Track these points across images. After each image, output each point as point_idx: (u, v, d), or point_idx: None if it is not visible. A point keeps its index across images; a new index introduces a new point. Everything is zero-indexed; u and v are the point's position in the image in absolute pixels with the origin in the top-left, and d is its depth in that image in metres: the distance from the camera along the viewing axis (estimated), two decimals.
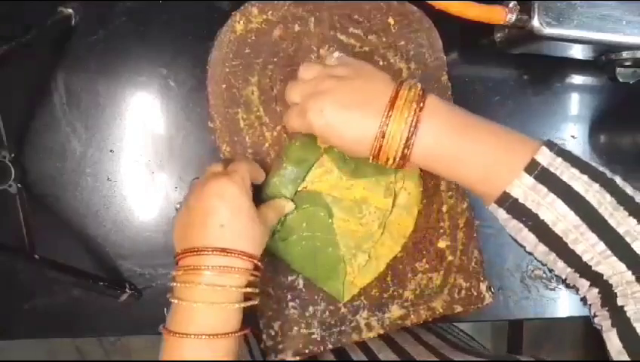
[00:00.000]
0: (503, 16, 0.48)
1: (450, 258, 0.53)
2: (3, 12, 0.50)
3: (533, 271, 0.59)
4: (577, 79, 0.61)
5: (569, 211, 0.33)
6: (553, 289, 0.60)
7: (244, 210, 0.39)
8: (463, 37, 0.57)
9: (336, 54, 0.41)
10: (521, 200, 0.34)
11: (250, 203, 0.40)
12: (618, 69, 0.53)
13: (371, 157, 0.38)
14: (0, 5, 0.50)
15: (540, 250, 0.36)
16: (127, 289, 0.51)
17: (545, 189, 0.34)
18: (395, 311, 0.52)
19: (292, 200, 0.47)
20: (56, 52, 0.51)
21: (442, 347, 0.53)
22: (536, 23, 0.48)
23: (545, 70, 0.60)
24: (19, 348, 1.31)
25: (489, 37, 0.57)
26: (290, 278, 0.51)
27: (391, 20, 0.51)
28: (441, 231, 0.53)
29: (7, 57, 0.44)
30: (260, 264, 0.40)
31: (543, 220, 0.34)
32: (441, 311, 0.53)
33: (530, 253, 0.38)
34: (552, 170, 0.34)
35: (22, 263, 0.46)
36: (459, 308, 0.53)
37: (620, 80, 0.53)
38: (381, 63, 0.51)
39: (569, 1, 0.48)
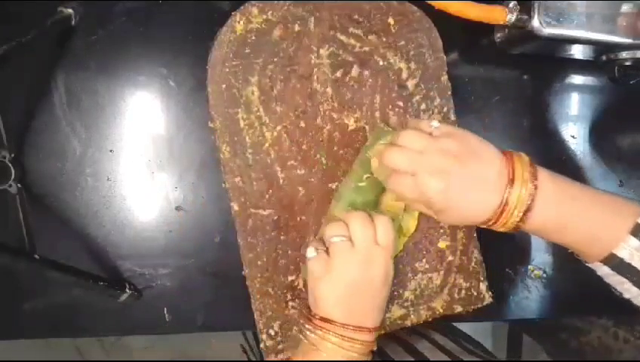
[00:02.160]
0: (503, 16, 0.48)
1: (450, 258, 0.53)
2: (3, 12, 0.50)
3: (533, 271, 0.59)
4: (577, 79, 0.61)
5: None
6: (553, 290, 0.60)
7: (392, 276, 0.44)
8: (463, 37, 0.57)
9: (436, 124, 0.41)
10: (626, 260, 0.38)
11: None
12: (618, 69, 0.53)
13: (484, 225, 0.41)
14: (0, 5, 0.50)
15: None
16: (127, 289, 0.51)
17: None
18: (395, 311, 0.52)
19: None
20: (56, 52, 0.51)
21: (463, 354, 0.54)
22: (536, 23, 0.48)
23: (545, 70, 0.60)
24: (19, 348, 1.31)
25: (489, 37, 0.57)
26: (290, 278, 0.51)
27: (391, 20, 0.51)
28: (441, 231, 0.53)
29: (7, 57, 0.44)
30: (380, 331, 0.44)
31: None
32: (441, 311, 0.53)
33: (627, 299, 0.41)
34: None
35: (22, 263, 0.46)
36: (459, 308, 0.53)
37: (620, 80, 0.53)
38: (381, 63, 0.51)
39: (569, 0, 0.48)
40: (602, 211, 0.39)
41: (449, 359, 0.51)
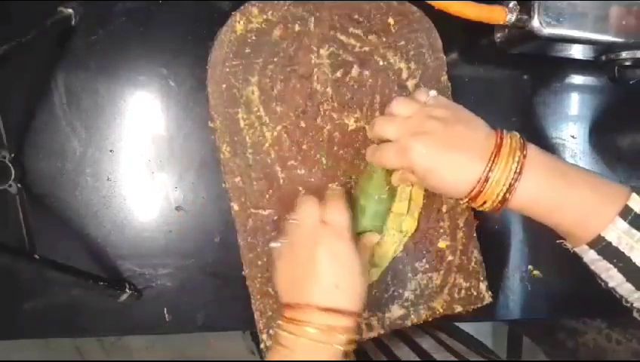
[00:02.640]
0: (503, 16, 0.48)
1: (450, 258, 0.53)
2: (3, 12, 0.50)
3: (532, 271, 0.59)
4: (577, 79, 0.61)
5: None
6: (553, 290, 0.60)
7: (355, 269, 0.41)
8: (463, 37, 0.57)
9: (433, 93, 0.41)
10: (614, 244, 0.36)
11: (359, 259, 0.41)
12: (618, 69, 0.53)
13: (466, 199, 0.39)
14: (0, 5, 0.50)
15: (626, 287, 0.38)
16: (127, 289, 0.51)
17: (638, 234, 0.36)
18: (395, 311, 0.52)
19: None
20: (56, 52, 0.51)
21: (471, 355, 0.54)
22: (536, 23, 0.48)
23: (545, 70, 0.60)
24: (19, 348, 1.31)
25: (489, 37, 0.57)
26: None
27: (391, 20, 0.51)
28: (441, 231, 0.53)
29: (7, 57, 0.44)
30: (359, 320, 0.42)
31: (634, 262, 0.36)
32: (441, 311, 0.53)
33: (611, 288, 0.39)
34: None
35: (22, 263, 0.46)
36: (459, 308, 0.53)
37: (620, 80, 0.53)
38: (381, 63, 0.51)
39: (569, 0, 0.48)
40: (592, 191, 0.37)
41: (455, 359, 0.52)
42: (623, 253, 0.36)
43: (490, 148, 0.38)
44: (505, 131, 0.39)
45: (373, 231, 0.48)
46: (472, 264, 0.53)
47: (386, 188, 0.47)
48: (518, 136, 0.39)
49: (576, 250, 0.40)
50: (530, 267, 0.59)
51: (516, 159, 0.37)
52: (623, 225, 0.36)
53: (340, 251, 0.41)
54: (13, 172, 0.49)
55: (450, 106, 0.40)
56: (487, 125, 0.40)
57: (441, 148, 0.38)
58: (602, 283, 0.40)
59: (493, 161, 0.37)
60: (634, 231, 0.36)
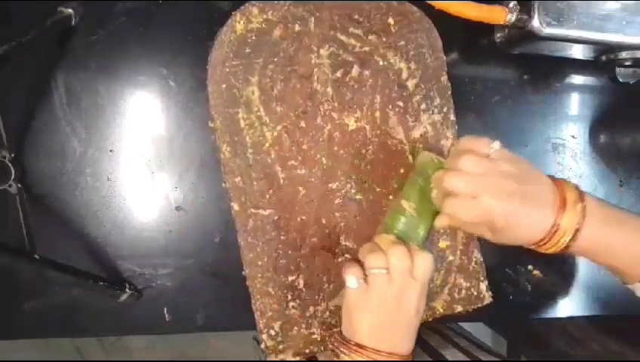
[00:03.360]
0: (503, 16, 0.48)
1: (450, 258, 0.53)
2: (3, 12, 0.50)
3: (532, 271, 0.59)
4: (577, 79, 0.61)
5: None
6: (553, 290, 0.60)
7: (420, 318, 0.45)
8: (463, 37, 0.57)
9: (497, 145, 0.42)
10: None
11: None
12: (618, 69, 0.53)
13: (534, 245, 0.42)
14: (0, 5, 0.50)
15: None
16: (127, 289, 0.51)
17: None
18: None
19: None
20: (56, 52, 0.51)
21: (477, 351, 0.54)
22: (536, 23, 0.48)
23: (545, 70, 0.60)
24: (19, 348, 1.31)
25: (489, 37, 0.57)
26: (290, 278, 0.51)
27: (391, 20, 0.51)
28: (442, 231, 0.53)
29: (7, 57, 0.44)
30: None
31: None
32: (441, 311, 0.53)
33: None
34: None
35: (22, 263, 0.46)
36: (459, 308, 0.53)
37: (620, 80, 0.53)
38: (381, 63, 0.51)
39: (569, 0, 0.48)
40: None
41: (468, 359, 0.52)
42: None
43: (557, 200, 0.41)
44: (563, 182, 0.42)
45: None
46: (473, 264, 0.53)
47: (414, 208, 0.47)
48: (574, 186, 0.42)
49: (629, 286, 0.43)
50: (530, 267, 0.59)
51: (578, 209, 0.40)
52: None
53: (422, 307, 0.44)
54: (13, 172, 0.49)
55: (515, 160, 0.42)
56: (546, 176, 0.42)
57: (518, 206, 0.40)
58: None
59: (561, 212, 0.40)
60: None
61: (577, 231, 0.40)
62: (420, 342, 0.58)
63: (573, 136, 0.61)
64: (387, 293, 0.42)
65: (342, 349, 0.44)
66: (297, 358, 0.50)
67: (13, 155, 0.49)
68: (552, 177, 0.42)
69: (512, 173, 0.40)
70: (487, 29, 0.55)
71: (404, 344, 0.44)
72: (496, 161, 0.41)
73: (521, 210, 0.40)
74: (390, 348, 0.43)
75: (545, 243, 0.41)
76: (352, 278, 0.43)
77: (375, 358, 0.42)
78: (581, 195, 0.41)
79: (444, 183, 0.41)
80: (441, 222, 0.46)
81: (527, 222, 0.40)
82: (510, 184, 0.40)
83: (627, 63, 0.52)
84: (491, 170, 0.40)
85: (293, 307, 0.50)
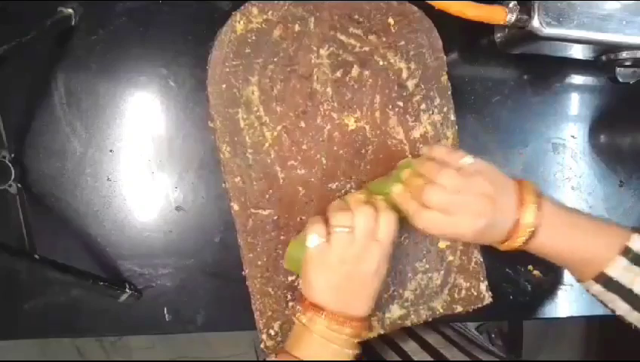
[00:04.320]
0: (503, 16, 0.48)
1: (450, 258, 0.53)
2: (3, 12, 0.50)
3: (532, 271, 0.59)
4: (577, 79, 0.61)
5: None
6: (553, 290, 0.60)
7: (383, 281, 0.46)
8: (463, 37, 0.57)
9: (469, 160, 0.44)
10: (615, 278, 0.42)
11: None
12: (618, 69, 0.53)
13: (500, 244, 0.45)
14: (0, 5, 0.50)
15: (634, 316, 0.43)
16: (127, 289, 0.51)
17: (637, 268, 0.41)
18: (395, 311, 0.52)
19: None
20: (56, 52, 0.51)
21: (475, 349, 0.55)
22: (536, 23, 0.48)
23: (545, 70, 0.60)
24: (18, 348, 1.31)
25: (489, 37, 0.57)
26: (290, 278, 0.51)
27: (391, 20, 0.51)
28: None
29: (7, 57, 0.44)
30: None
31: (636, 293, 0.42)
32: (441, 311, 0.53)
33: (619, 316, 0.45)
34: None
35: (22, 263, 0.46)
36: (459, 308, 0.53)
37: (620, 80, 0.53)
38: (381, 63, 0.51)
39: (569, 0, 0.48)
40: (597, 235, 0.43)
41: (467, 358, 0.52)
42: (624, 285, 0.42)
43: (517, 207, 0.43)
44: (524, 184, 0.44)
45: None
46: (472, 264, 0.53)
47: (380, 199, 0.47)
48: (534, 190, 0.44)
49: (582, 284, 0.45)
50: (530, 267, 0.59)
51: (535, 216, 0.42)
52: (623, 262, 0.41)
53: (382, 270, 0.44)
54: (13, 172, 0.49)
55: (488, 172, 0.44)
56: (512, 181, 0.44)
57: (487, 222, 0.42)
58: (610, 311, 0.45)
59: (520, 212, 0.42)
60: (634, 266, 0.41)
61: (534, 230, 0.42)
62: (420, 340, 0.58)
63: (573, 136, 0.60)
64: (347, 253, 0.43)
65: (298, 307, 0.45)
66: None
67: (13, 155, 0.49)
68: (515, 180, 0.45)
69: (486, 190, 0.42)
70: (487, 29, 0.55)
71: (359, 305, 0.44)
72: (471, 178, 0.42)
73: (490, 224, 0.42)
74: (345, 308, 0.43)
75: (504, 242, 0.44)
76: (313, 236, 0.43)
77: (328, 322, 0.43)
78: (539, 195, 0.43)
79: (424, 196, 0.43)
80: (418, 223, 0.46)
81: (492, 229, 0.43)
82: (484, 203, 0.42)
83: (627, 63, 0.52)
84: (467, 189, 0.42)
85: (293, 307, 0.50)
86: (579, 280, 0.46)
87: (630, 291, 0.42)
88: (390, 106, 0.52)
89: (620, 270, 0.42)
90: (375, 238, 0.43)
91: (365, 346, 0.54)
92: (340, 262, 0.43)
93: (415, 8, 0.51)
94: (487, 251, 0.54)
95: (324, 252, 0.43)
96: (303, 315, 0.44)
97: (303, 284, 0.45)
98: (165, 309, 0.54)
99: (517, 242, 0.43)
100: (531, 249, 0.44)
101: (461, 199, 0.42)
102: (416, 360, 0.55)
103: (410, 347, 0.57)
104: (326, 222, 0.44)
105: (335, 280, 0.43)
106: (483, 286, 0.54)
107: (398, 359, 0.56)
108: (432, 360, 0.54)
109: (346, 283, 0.43)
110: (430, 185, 0.42)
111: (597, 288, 0.44)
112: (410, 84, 0.52)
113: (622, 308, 0.43)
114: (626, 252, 0.42)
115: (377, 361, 0.57)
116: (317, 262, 0.43)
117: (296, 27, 0.50)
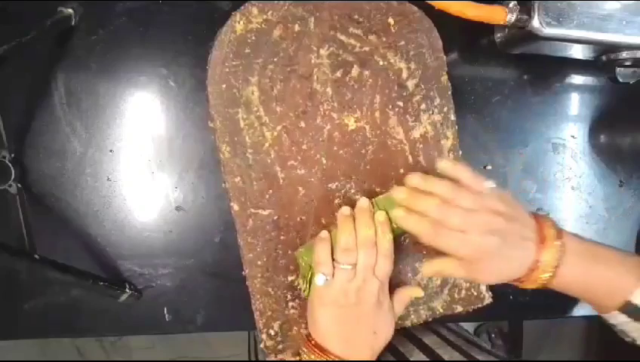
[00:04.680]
0: (503, 16, 0.48)
1: None
2: (3, 12, 0.50)
3: None
4: (577, 79, 0.61)
5: None
6: (553, 290, 0.60)
7: (392, 314, 0.47)
8: (463, 37, 0.57)
9: (490, 184, 0.44)
10: None
11: (393, 310, 0.48)
12: (618, 69, 0.53)
13: (515, 282, 0.44)
14: (0, 5, 0.50)
15: None
16: (127, 289, 0.51)
17: None
18: None
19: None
20: (56, 52, 0.51)
21: (472, 349, 0.55)
22: (536, 23, 0.48)
23: (545, 70, 0.60)
24: (18, 348, 1.31)
25: (489, 37, 0.57)
26: (290, 278, 0.51)
27: (391, 20, 0.51)
28: None
29: (7, 57, 0.44)
30: None
31: None
32: (441, 311, 0.53)
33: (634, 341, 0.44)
34: None
35: (22, 263, 0.46)
36: (459, 308, 0.53)
37: (620, 80, 0.53)
38: (381, 63, 0.51)
39: (569, 0, 0.48)
40: (619, 265, 0.43)
41: (464, 359, 0.52)
42: None
43: (537, 237, 0.42)
44: (543, 219, 0.44)
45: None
46: None
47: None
48: (553, 224, 0.43)
49: (605, 316, 0.45)
50: None
51: (557, 246, 0.42)
52: None
53: (383, 305, 0.46)
54: (13, 172, 0.49)
55: (504, 197, 0.44)
56: (529, 212, 0.44)
57: (504, 247, 0.42)
58: (630, 341, 0.45)
59: (541, 249, 0.42)
60: None
61: (556, 267, 0.42)
62: (416, 341, 0.58)
63: (573, 136, 0.60)
64: (349, 287, 0.44)
65: (303, 348, 0.46)
66: (297, 358, 0.50)
67: (13, 155, 0.49)
68: (533, 214, 0.45)
69: (501, 210, 0.42)
70: (487, 29, 0.55)
71: (362, 342, 0.45)
72: (486, 197, 0.43)
73: (506, 248, 0.42)
74: (346, 347, 0.44)
75: (524, 281, 0.43)
76: (320, 277, 0.45)
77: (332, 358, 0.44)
78: (559, 232, 0.43)
79: (437, 214, 0.42)
80: (428, 269, 0.46)
81: (509, 259, 0.42)
82: (498, 221, 0.42)
83: (627, 63, 0.52)
84: (482, 206, 0.42)
85: (292, 307, 0.50)
86: (600, 313, 0.45)
87: None
88: (390, 106, 0.52)
89: None
90: (374, 274, 0.45)
91: None
92: (343, 295, 0.44)
93: (415, 8, 0.51)
94: None
95: (328, 287, 0.45)
96: (308, 356, 0.45)
97: (309, 321, 0.47)
98: (165, 309, 0.54)
99: (541, 279, 0.43)
100: (554, 286, 0.44)
101: (476, 217, 0.42)
102: (412, 360, 0.55)
103: (407, 348, 0.57)
104: (331, 252, 0.45)
105: (338, 314, 0.44)
106: (483, 286, 0.54)
107: (393, 359, 0.56)
108: (428, 360, 0.54)
109: (348, 316, 0.44)
110: (444, 204, 0.42)
111: (622, 318, 0.43)
112: (410, 84, 0.52)
113: None
114: None
115: None
116: (321, 297, 0.45)
117: (296, 27, 0.50)
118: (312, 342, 0.45)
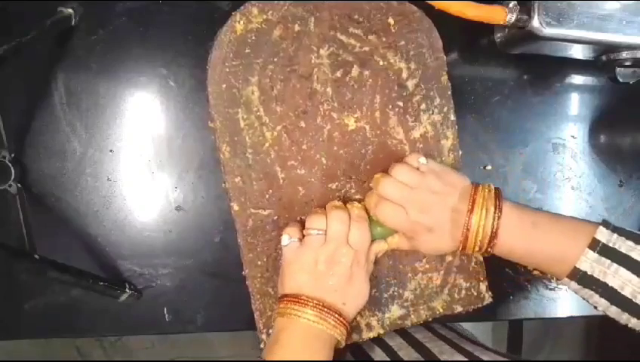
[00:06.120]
0: (503, 16, 0.48)
1: (450, 258, 0.53)
2: (3, 12, 0.50)
3: (532, 271, 0.59)
4: (577, 79, 0.61)
5: (632, 276, 0.40)
6: (553, 289, 0.60)
7: (361, 294, 0.46)
8: (463, 37, 0.57)
9: (423, 160, 0.47)
10: (589, 273, 0.42)
11: (367, 287, 0.46)
12: (618, 69, 0.53)
13: (460, 248, 0.45)
14: (0, 5, 0.50)
15: (613, 310, 0.42)
16: (127, 289, 0.51)
17: (608, 261, 0.41)
18: (395, 311, 0.52)
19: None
20: (56, 52, 0.51)
21: (462, 342, 0.55)
22: (536, 23, 0.48)
23: (545, 70, 0.60)
24: (18, 348, 1.31)
25: (489, 37, 0.57)
26: None
27: (391, 20, 0.51)
28: None
29: (7, 57, 0.44)
30: (344, 338, 0.45)
31: (611, 286, 0.41)
32: (441, 311, 0.53)
33: (602, 312, 0.44)
34: (610, 244, 0.41)
35: (22, 263, 0.46)
36: (459, 308, 0.53)
37: (620, 80, 0.53)
38: (381, 63, 0.51)
39: (569, 0, 0.48)
40: (562, 232, 0.43)
41: (467, 359, 0.52)
42: (598, 279, 0.41)
43: (468, 206, 0.44)
44: (480, 188, 0.45)
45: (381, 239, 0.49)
46: (472, 264, 0.53)
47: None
48: (493, 193, 0.44)
49: (559, 283, 0.46)
50: (529, 267, 0.59)
51: (490, 218, 0.43)
52: (592, 255, 0.41)
53: (355, 276, 0.45)
54: (13, 172, 0.49)
55: (441, 173, 0.46)
56: (469, 185, 0.46)
57: (439, 222, 0.44)
58: (594, 308, 0.44)
59: (469, 215, 0.43)
60: (603, 259, 0.41)
61: (492, 237, 0.43)
62: (406, 336, 0.58)
63: (573, 136, 0.60)
64: (319, 255, 0.44)
65: (275, 307, 0.46)
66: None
67: (13, 155, 0.49)
68: (473, 184, 0.46)
69: (438, 188, 0.45)
70: (487, 29, 0.55)
71: (336, 308, 0.44)
72: (425, 176, 0.45)
73: (439, 226, 0.44)
74: (314, 295, 0.43)
75: (463, 249, 0.45)
76: (284, 236, 0.46)
77: (298, 308, 0.43)
78: (497, 201, 0.44)
79: (379, 187, 0.46)
80: (388, 245, 0.49)
81: (442, 233, 0.45)
82: (435, 200, 0.44)
83: (627, 63, 0.52)
84: (422, 185, 0.45)
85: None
86: (557, 281, 0.46)
87: (605, 285, 0.41)
88: (390, 106, 0.52)
89: (590, 263, 0.41)
90: (347, 242, 0.45)
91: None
92: (314, 263, 0.44)
93: (415, 8, 0.51)
94: None
95: (299, 253, 0.45)
96: (278, 309, 0.44)
97: (279, 287, 0.47)
98: (165, 309, 0.54)
99: (477, 246, 0.44)
100: (499, 252, 0.45)
101: (414, 194, 0.45)
102: (401, 354, 0.55)
103: (396, 342, 0.57)
104: (303, 225, 0.46)
105: (305, 280, 0.44)
106: (483, 286, 0.54)
107: (383, 354, 0.56)
108: (417, 355, 0.54)
109: (316, 284, 0.44)
110: (386, 177, 0.46)
111: (573, 285, 0.43)
112: (410, 84, 0.52)
113: (601, 304, 0.43)
114: (595, 244, 0.41)
115: (363, 361, 0.57)
116: (292, 262, 0.45)
117: (296, 27, 0.50)
118: (281, 298, 0.45)
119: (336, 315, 0.43)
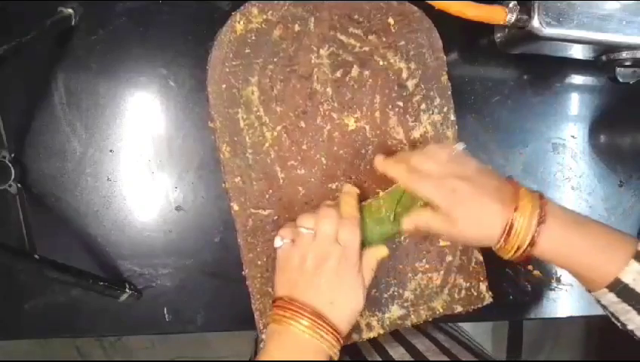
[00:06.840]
0: (503, 16, 0.48)
1: (450, 258, 0.53)
2: (3, 12, 0.50)
3: (532, 271, 0.59)
4: (577, 79, 0.61)
5: None
6: (553, 290, 0.60)
7: (352, 294, 0.44)
8: (463, 37, 0.57)
9: (461, 146, 0.45)
10: (631, 285, 0.39)
11: (361, 286, 0.44)
12: (618, 69, 0.53)
13: (497, 246, 0.43)
14: (0, 5, 0.50)
15: None
16: (127, 289, 0.51)
17: None
18: (395, 311, 0.52)
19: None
20: (56, 52, 0.51)
21: (453, 346, 0.54)
22: (536, 23, 0.48)
23: (545, 70, 0.60)
24: (18, 347, 1.31)
25: (489, 37, 0.57)
26: None
27: (391, 20, 0.51)
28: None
29: (7, 57, 0.44)
30: (339, 344, 0.43)
31: None
32: (441, 311, 0.53)
33: (630, 331, 0.42)
34: None
35: (22, 263, 0.46)
36: (459, 308, 0.53)
37: (620, 80, 0.53)
38: (381, 63, 0.51)
39: (569, 0, 0.48)
40: (605, 239, 0.41)
41: (448, 359, 0.52)
42: (639, 293, 0.39)
43: (512, 201, 0.42)
44: (523, 188, 0.43)
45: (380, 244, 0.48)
46: (472, 264, 0.53)
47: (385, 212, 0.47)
48: (534, 192, 0.43)
49: (595, 294, 0.43)
50: (530, 267, 0.59)
51: (533, 213, 0.41)
52: (637, 266, 0.39)
53: (344, 274, 0.43)
54: (13, 172, 0.49)
55: (479, 163, 0.45)
56: (507, 180, 0.44)
57: (476, 194, 0.42)
58: (620, 326, 0.42)
59: (514, 212, 0.41)
60: None
61: (536, 234, 0.41)
62: (407, 345, 0.57)
63: (573, 136, 0.60)
64: (307, 252, 0.43)
65: (270, 312, 0.45)
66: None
67: (13, 155, 0.49)
68: (513, 182, 0.44)
69: (473, 165, 0.44)
70: (487, 29, 0.55)
71: (327, 308, 0.42)
72: (460, 157, 0.45)
73: (478, 196, 0.42)
74: (304, 300, 0.42)
75: (502, 247, 0.42)
76: (277, 239, 0.45)
77: (290, 308, 0.42)
78: (541, 200, 0.42)
79: (413, 161, 0.44)
80: (408, 224, 0.46)
81: (481, 209, 0.42)
82: (471, 171, 0.43)
83: (627, 63, 0.52)
84: (455, 159, 0.44)
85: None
86: (590, 290, 0.43)
87: None
88: (390, 106, 0.52)
89: (634, 275, 0.39)
90: (337, 241, 0.44)
91: (350, 346, 0.54)
92: (302, 260, 0.43)
93: (415, 8, 0.51)
94: (488, 251, 0.54)
95: (289, 252, 0.44)
96: (271, 316, 0.43)
97: (275, 285, 0.46)
98: (165, 309, 0.54)
99: (518, 245, 0.41)
100: (538, 254, 0.43)
101: (452, 165, 0.43)
102: (396, 358, 0.55)
103: (395, 351, 0.57)
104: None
105: (295, 279, 0.43)
106: (483, 286, 0.54)
107: (379, 359, 0.56)
108: (412, 360, 0.54)
109: (305, 283, 0.43)
110: (420, 154, 0.45)
111: (610, 297, 0.41)
112: (410, 84, 0.52)
113: (635, 322, 0.41)
114: (639, 256, 0.39)
115: (360, 360, 0.56)
116: (283, 262, 0.45)
117: (296, 27, 0.50)
118: (274, 303, 0.44)
119: (329, 327, 0.42)
